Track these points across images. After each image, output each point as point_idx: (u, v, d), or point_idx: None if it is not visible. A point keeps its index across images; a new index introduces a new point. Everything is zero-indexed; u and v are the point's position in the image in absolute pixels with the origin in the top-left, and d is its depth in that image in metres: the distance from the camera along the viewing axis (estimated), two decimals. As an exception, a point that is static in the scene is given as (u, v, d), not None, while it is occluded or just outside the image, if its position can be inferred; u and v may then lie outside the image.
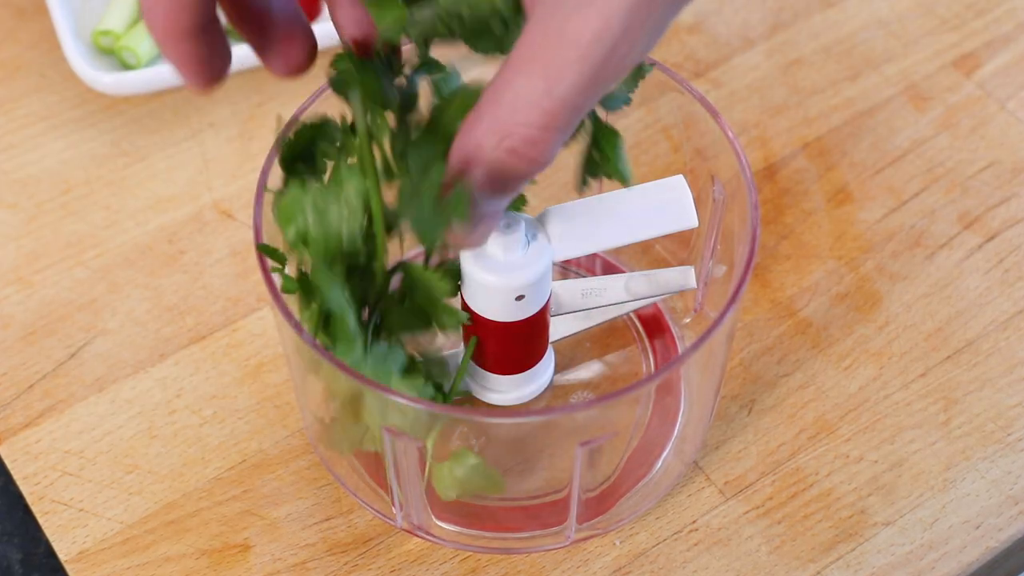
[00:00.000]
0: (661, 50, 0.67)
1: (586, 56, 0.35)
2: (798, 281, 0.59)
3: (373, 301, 0.47)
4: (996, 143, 0.63)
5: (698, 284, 0.53)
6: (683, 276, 0.52)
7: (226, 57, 0.41)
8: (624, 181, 0.46)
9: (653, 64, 0.45)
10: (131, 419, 0.55)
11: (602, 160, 0.46)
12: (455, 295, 0.47)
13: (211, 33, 0.39)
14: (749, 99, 0.65)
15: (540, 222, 0.47)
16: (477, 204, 0.38)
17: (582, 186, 0.46)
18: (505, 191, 0.38)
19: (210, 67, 0.40)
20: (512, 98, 0.36)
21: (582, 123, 0.44)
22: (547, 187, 0.61)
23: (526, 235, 0.46)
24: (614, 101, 0.45)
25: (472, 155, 0.37)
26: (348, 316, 0.44)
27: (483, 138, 0.37)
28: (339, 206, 0.44)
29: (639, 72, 0.45)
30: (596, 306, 0.52)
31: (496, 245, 0.46)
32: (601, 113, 0.46)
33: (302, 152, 0.46)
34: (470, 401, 0.51)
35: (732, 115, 0.64)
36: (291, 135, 0.46)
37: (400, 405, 0.45)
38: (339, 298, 0.44)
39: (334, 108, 0.46)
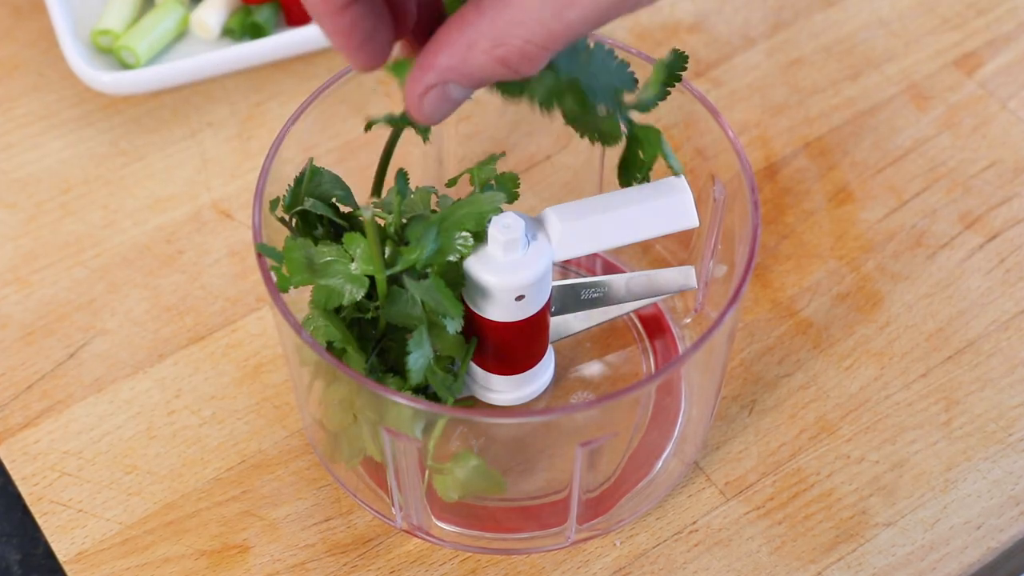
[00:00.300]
0: (661, 49, 0.67)
1: None
2: (799, 281, 0.59)
3: (374, 342, 0.48)
4: (998, 142, 0.63)
5: (698, 284, 0.53)
6: (684, 276, 0.52)
7: (389, 29, 0.40)
8: (677, 172, 0.47)
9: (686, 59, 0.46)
10: (130, 419, 0.55)
11: (646, 157, 0.47)
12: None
13: (371, 4, 0.39)
14: (750, 98, 0.65)
15: (540, 222, 0.47)
16: (447, 87, 0.38)
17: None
18: (477, 86, 0.39)
19: (371, 42, 0.39)
20: (519, 11, 0.36)
21: (617, 127, 0.45)
22: (547, 187, 0.61)
23: (526, 235, 0.46)
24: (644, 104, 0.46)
25: (460, 53, 0.37)
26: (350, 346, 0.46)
27: (477, 39, 0.37)
28: (342, 278, 0.46)
29: (679, 63, 0.45)
30: (596, 306, 0.52)
31: (496, 245, 0.46)
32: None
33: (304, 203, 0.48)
34: (470, 401, 0.51)
35: (733, 114, 0.64)
36: (292, 185, 0.47)
37: (400, 405, 0.44)
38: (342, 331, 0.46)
39: (332, 107, 0.46)
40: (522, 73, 0.38)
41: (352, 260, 0.46)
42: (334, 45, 0.39)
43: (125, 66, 0.64)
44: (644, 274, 0.52)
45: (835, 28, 0.68)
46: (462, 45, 0.37)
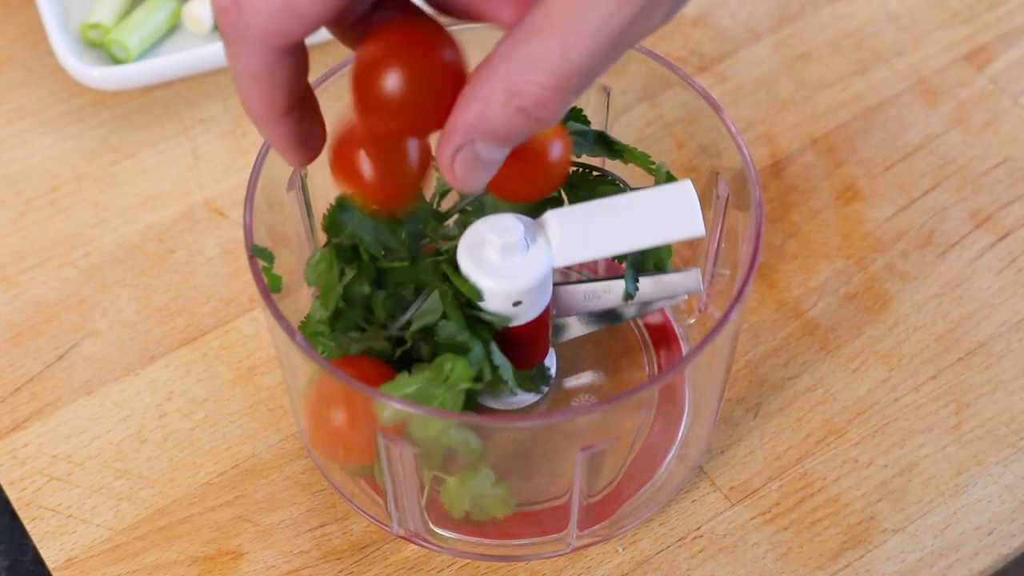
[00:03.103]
0: (665, 43, 0.66)
1: (607, 24, 0.35)
2: (805, 281, 0.58)
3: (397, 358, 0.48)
4: (1009, 139, 0.63)
5: (702, 284, 0.52)
6: (691, 279, 0.50)
7: (322, 132, 0.43)
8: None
9: None
10: (120, 423, 0.54)
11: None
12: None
13: (305, 110, 0.41)
14: (755, 94, 0.64)
15: (540, 226, 0.46)
16: (474, 146, 0.39)
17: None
18: (505, 144, 0.39)
19: (307, 143, 0.42)
20: (527, 57, 0.36)
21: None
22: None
23: (525, 239, 0.45)
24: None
25: (478, 108, 0.38)
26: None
27: (492, 91, 0.37)
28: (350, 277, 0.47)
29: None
30: (599, 308, 0.51)
31: (493, 249, 0.45)
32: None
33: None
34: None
35: (738, 110, 0.63)
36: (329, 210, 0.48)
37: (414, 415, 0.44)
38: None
39: (326, 104, 0.45)
40: (544, 121, 0.37)
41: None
42: (274, 147, 0.42)
43: (116, 61, 0.63)
44: (649, 278, 0.51)
45: (843, 22, 0.67)
46: (479, 100, 0.37)
